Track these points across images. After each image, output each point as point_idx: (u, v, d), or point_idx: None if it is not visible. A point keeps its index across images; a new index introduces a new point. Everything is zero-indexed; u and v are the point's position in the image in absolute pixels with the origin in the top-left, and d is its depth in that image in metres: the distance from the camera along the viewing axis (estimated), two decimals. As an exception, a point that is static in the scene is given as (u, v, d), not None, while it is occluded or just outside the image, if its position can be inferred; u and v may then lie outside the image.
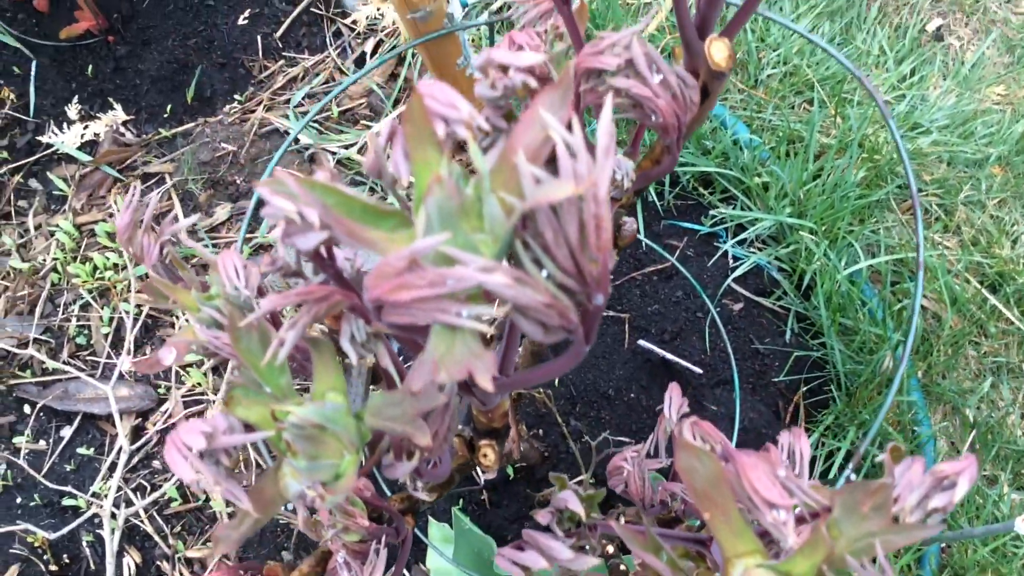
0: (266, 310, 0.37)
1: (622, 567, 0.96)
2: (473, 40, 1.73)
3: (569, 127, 0.31)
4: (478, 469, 1.28)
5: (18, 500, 1.49)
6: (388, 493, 1.07)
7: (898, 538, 0.36)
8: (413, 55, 1.83)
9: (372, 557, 0.58)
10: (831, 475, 1.27)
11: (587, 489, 1.23)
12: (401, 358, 1.50)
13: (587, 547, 0.53)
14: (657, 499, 0.66)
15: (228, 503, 1.45)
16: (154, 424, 1.52)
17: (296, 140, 1.77)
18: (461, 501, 1.32)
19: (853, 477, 1.20)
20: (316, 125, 1.80)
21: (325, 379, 0.39)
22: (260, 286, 0.54)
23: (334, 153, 1.74)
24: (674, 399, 0.61)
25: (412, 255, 0.28)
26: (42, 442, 1.54)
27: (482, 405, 0.49)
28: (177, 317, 1.61)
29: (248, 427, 0.38)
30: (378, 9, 1.92)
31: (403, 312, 0.29)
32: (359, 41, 1.91)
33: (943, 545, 1.30)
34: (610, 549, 0.87)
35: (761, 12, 1.46)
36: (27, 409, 1.57)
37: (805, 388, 1.37)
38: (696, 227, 1.52)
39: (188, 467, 0.34)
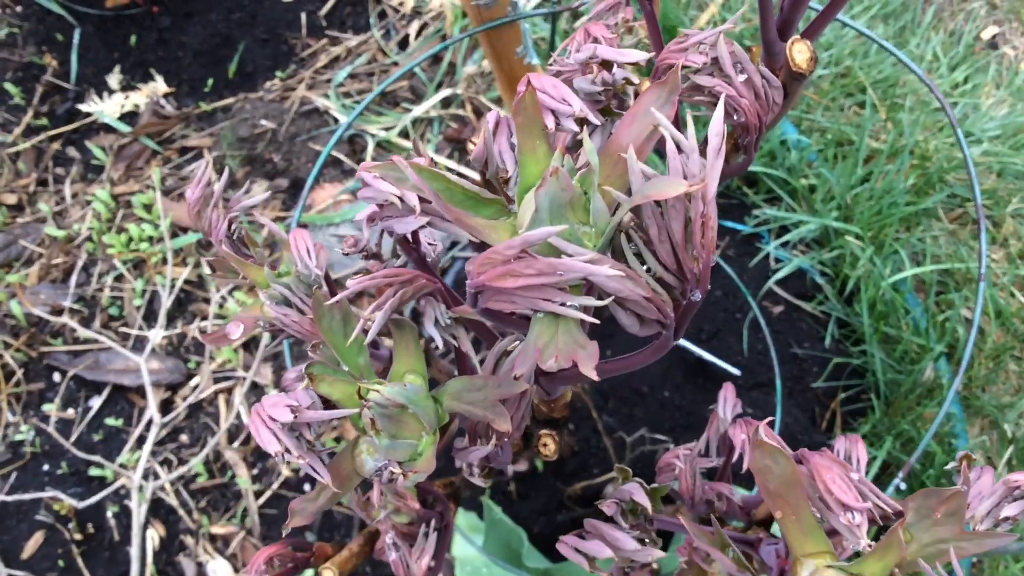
0: (354, 290, 0.36)
1: (655, 566, 0.95)
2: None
3: (677, 124, 0.30)
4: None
5: (45, 467, 1.49)
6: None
7: (970, 545, 0.35)
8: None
9: (421, 541, 0.58)
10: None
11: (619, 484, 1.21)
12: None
13: (647, 540, 0.52)
14: (704, 499, 0.64)
15: (255, 481, 1.45)
16: (183, 398, 1.52)
17: (337, 122, 1.76)
18: (489, 491, 1.31)
19: (902, 487, 1.18)
20: (355, 106, 1.79)
21: (405, 361, 0.38)
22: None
23: (374, 135, 1.73)
24: (728, 399, 0.60)
25: (524, 244, 0.26)
26: (71, 411, 1.54)
27: (546, 395, 0.48)
28: (212, 292, 1.60)
29: (327, 404, 0.37)
30: (424, -8, 1.91)
31: (506, 299, 0.28)
32: (404, 23, 1.90)
33: (974, 560, 1.28)
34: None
35: (816, 8, 1.43)
36: (57, 377, 1.57)
37: (843, 395, 1.35)
38: (739, 227, 1.50)
39: (274, 439, 0.33)
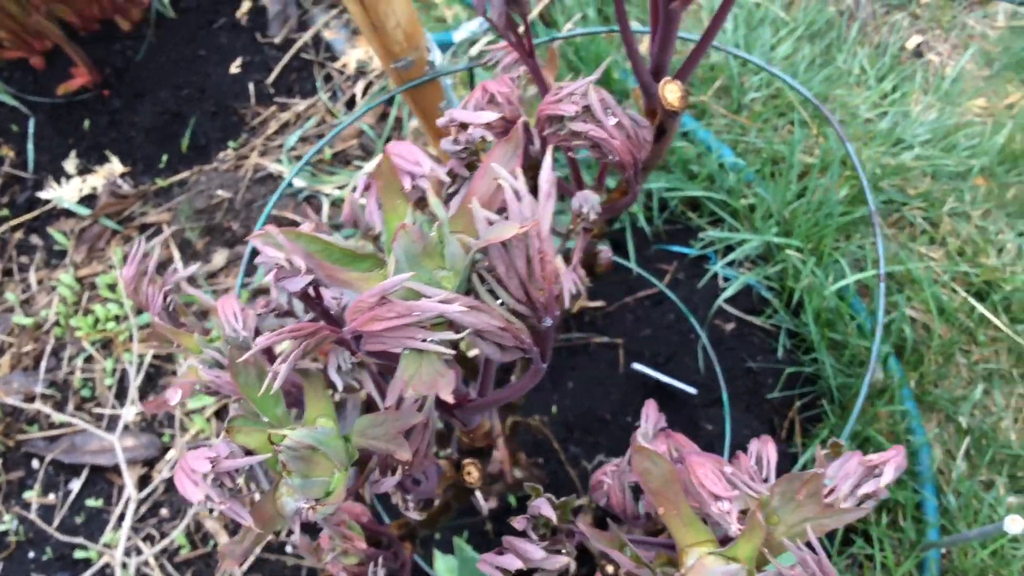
0: (261, 346, 0.39)
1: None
2: (461, 80, 1.77)
3: (537, 170, 0.34)
4: (480, 499, 1.30)
5: (31, 555, 1.50)
6: (388, 521, 1.09)
7: (830, 521, 0.39)
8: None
9: (370, 578, 0.61)
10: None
11: (588, 511, 1.24)
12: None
13: (563, 551, 0.55)
14: (643, 511, 0.68)
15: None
16: (159, 472, 1.54)
17: (290, 184, 1.80)
18: (466, 533, 1.34)
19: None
20: (309, 168, 1.84)
21: (316, 406, 0.42)
22: (258, 328, 0.57)
23: (328, 195, 1.78)
24: (650, 415, 0.64)
25: (382, 292, 0.31)
26: (51, 496, 1.55)
27: (464, 426, 0.52)
28: (179, 364, 1.63)
29: (249, 453, 0.41)
30: (366, 52, 1.97)
31: (378, 340, 0.32)
32: (349, 84, 1.95)
33: (943, 551, 1.31)
34: (610, 569, 0.89)
35: (723, 48, 1.51)
36: (35, 464, 1.59)
37: (799, 403, 1.39)
38: (686, 250, 1.55)
39: (196, 490, 0.36)
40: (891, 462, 0.43)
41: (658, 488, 0.40)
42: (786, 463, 1.32)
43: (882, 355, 1.35)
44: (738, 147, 1.66)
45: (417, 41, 0.90)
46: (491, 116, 0.41)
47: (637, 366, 1.37)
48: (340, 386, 0.42)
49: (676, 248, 1.56)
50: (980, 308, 1.48)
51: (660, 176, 1.60)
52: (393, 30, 0.85)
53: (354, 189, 0.37)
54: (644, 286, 1.50)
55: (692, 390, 1.33)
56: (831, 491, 0.42)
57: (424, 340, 0.32)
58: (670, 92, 0.56)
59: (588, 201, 0.57)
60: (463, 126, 0.41)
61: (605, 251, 0.74)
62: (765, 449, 0.59)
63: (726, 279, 1.50)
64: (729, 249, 1.53)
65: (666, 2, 0.53)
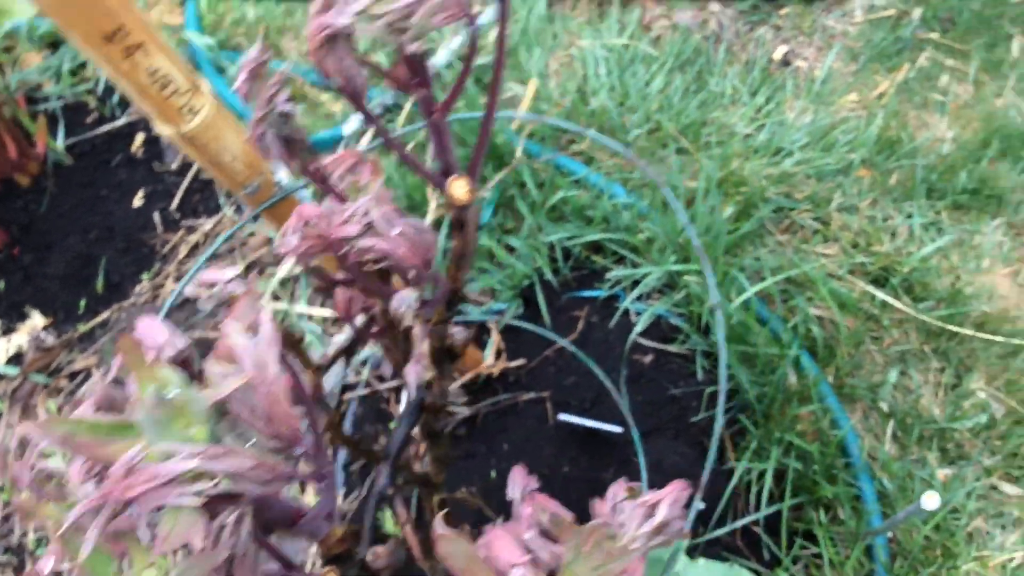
0: (74, 517, 0.43)
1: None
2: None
3: (253, 329, 0.38)
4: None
5: None
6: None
7: (616, 565, 0.42)
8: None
9: None
10: (764, 496, 1.32)
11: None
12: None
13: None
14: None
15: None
16: (126, 612, 1.54)
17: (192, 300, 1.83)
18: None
19: (702, 505, 1.25)
20: (226, 284, 1.87)
21: (140, 560, 0.45)
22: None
23: (247, 307, 1.80)
24: (517, 480, 0.67)
25: (126, 464, 0.34)
26: (22, 658, 1.55)
27: (312, 538, 0.55)
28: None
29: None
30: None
31: (142, 503, 0.35)
32: (251, 196, 1.99)
33: (890, 536, 1.35)
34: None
35: (503, 114, 1.55)
36: (2, 629, 1.59)
37: (724, 420, 1.43)
38: (595, 293, 1.59)
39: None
40: (664, 500, 0.47)
41: (464, 567, 0.43)
42: (722, 481, 1.35)
43: (791, 358, 1.40)
44: (628, 184, 1.72)
45: (259, 167, 0.94)
46: (232, 273, 0.45)
47: (564, 416, 1.41)
48: (146, 540, 0.45)
49: (586, 293, 1.60)
50: (880, 295, 1.54)
51: (559, 227, 1.65)
52: (231, 163, 0.90)
53: (105, 372, 0.41)
54: (561, 336, 1.55)
55: (618, 429, 1.37)
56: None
57: (179, 495, 0.35)
58: (457, 189, 0.60)
59: (404, 301, 0.61)
60: (211, 285, 0.45)
61: (458, 331, 0.78)
62: (619, 491, 0.63)
63: (638, 313, 1.55)
64: (635, 284, 1.58)
65: (428, 115, 0.58)
